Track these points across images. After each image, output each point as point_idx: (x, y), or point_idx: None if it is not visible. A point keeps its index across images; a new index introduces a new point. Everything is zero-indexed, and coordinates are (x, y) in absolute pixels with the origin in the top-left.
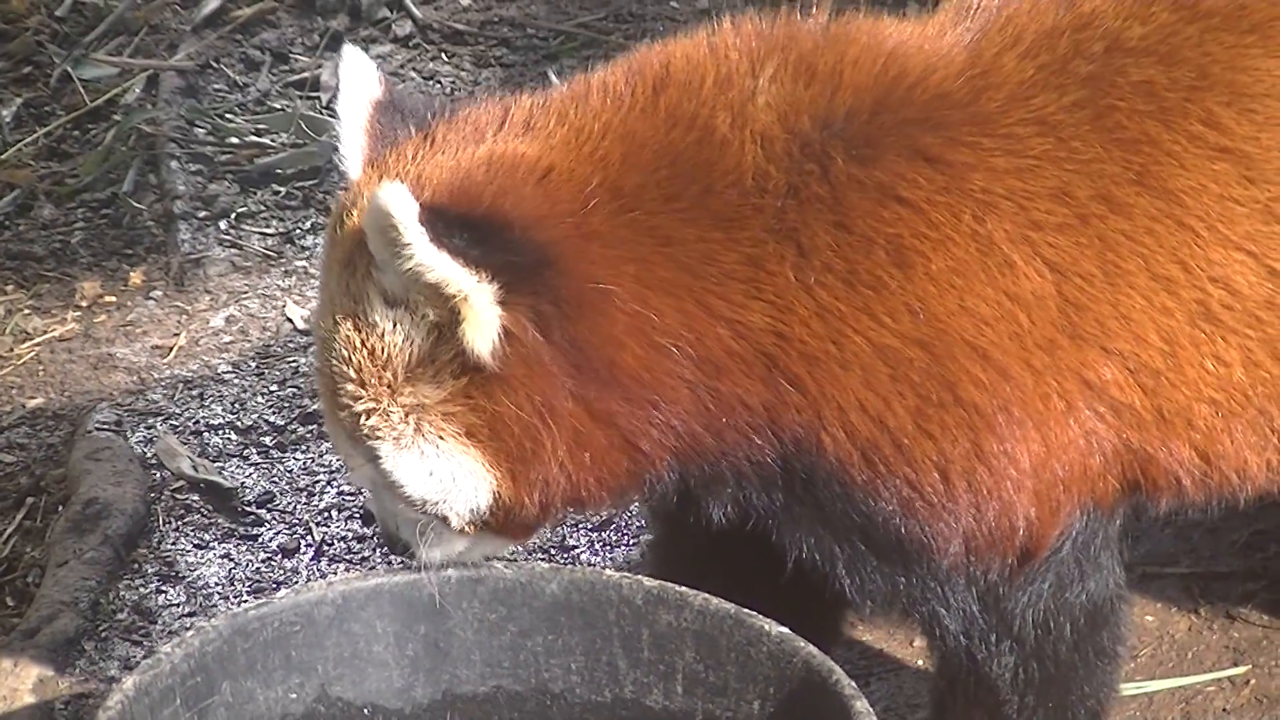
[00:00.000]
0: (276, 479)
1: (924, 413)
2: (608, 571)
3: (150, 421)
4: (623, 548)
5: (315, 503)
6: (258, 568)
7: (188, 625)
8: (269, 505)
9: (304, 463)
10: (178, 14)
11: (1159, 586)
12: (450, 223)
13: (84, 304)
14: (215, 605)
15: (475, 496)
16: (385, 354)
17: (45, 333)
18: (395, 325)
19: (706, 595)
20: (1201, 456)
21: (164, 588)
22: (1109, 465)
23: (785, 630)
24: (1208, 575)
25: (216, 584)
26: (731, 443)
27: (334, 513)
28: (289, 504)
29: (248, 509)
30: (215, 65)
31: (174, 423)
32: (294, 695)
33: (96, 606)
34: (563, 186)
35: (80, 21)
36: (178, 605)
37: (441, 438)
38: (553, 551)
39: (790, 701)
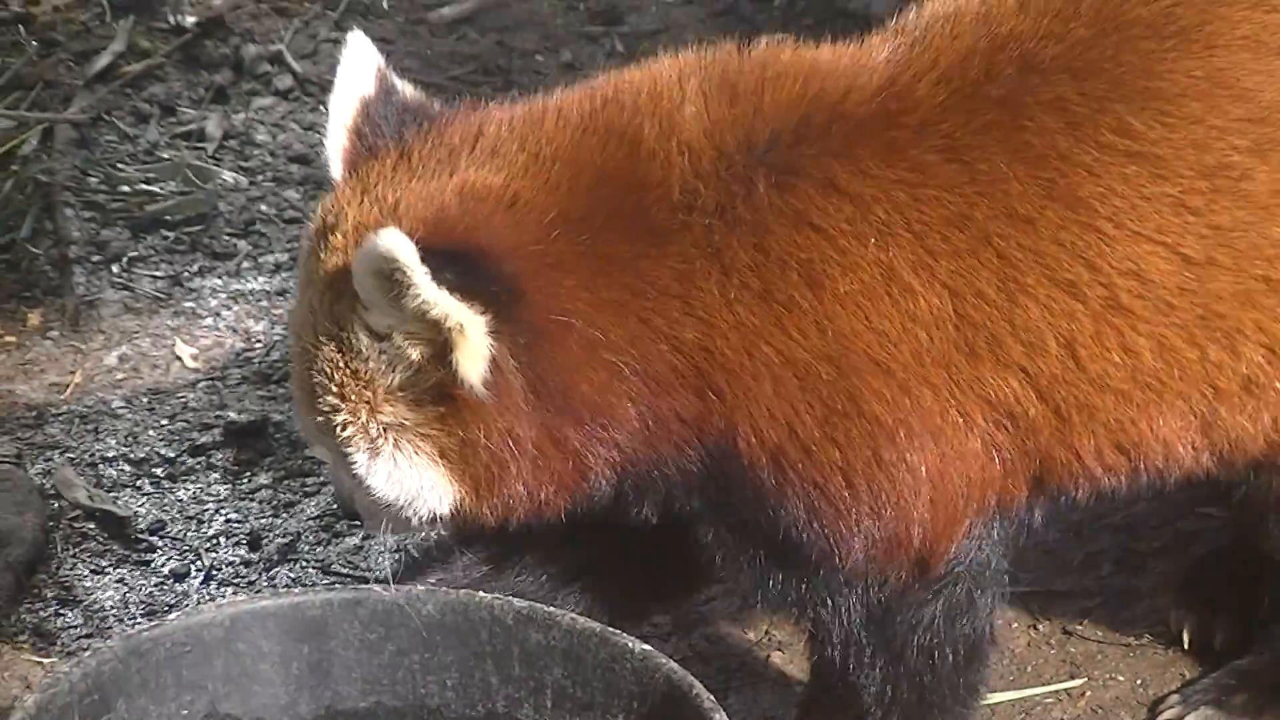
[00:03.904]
0: (168, 508)
1: (830, 421)
2: (480, 593)
3: (49, 454)
4: None
5: (204, 530)
6: (150, 592)
7: (85, 646)
8: (161, 533)
9: (194, 492)
10: (71, 70)
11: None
12: (440, 258)
13: None
14: (111, 627)
15: (438, 506)
16: (368, 376)
17: None
18: (380, 354)
19: (574, 615)
20: (1114, 447)
21: (63, 611)
22: (1011, 470)
23: (648, 648)
24: (1046, 594)
25: (112, 607)
26: (666, 454)
27: (222, 539)
28: (180, 531)
29: (141, 536)
30: (107, 118)
31: (71, 455)
32: (185, 712)
33: None
34: (527, 216)
35: None
36: (76, 627)
37: (415, 454)
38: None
39: (653, 715)
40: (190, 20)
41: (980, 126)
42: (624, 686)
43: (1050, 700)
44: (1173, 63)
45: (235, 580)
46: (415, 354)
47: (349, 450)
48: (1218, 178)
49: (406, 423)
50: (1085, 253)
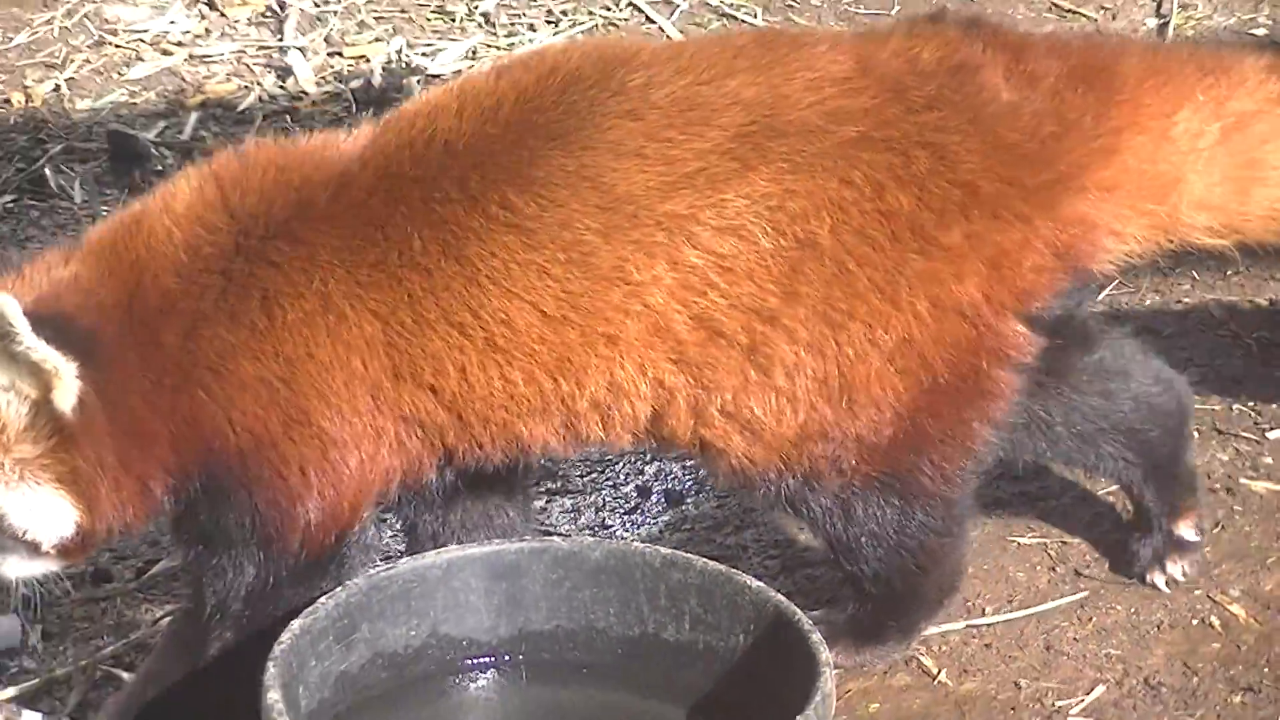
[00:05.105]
0: None
1: (289, 427)
2: (635, 543)
3: None
4: (644, 527)
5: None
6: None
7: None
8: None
9: None
10: None
11: (1023, 551)
12: (36, 320)
13: None
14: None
15: (63, 527)
16: (1, 423)
17: None
18: (7, 403)
19: (706, 560)
20: (507, 441)
21: None
22: (420, 459)
23: (762, 584)
24: (1062, 543)
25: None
26: (186, 460)
27: None
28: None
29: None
30: None
31: None
32: (413, 633)
33: None
34: (87, 290)
35: None
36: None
37: (39, 483)
38: (597, 529)
39: (765, 635)
40: None
41: (398, 198)
42: (744, 614)
43: (1065, 624)
44: (553, 158)
45: None
46: (33, 394)
47: None
48: (573, 251)
49: (29, 457)
50: (470, 302)
